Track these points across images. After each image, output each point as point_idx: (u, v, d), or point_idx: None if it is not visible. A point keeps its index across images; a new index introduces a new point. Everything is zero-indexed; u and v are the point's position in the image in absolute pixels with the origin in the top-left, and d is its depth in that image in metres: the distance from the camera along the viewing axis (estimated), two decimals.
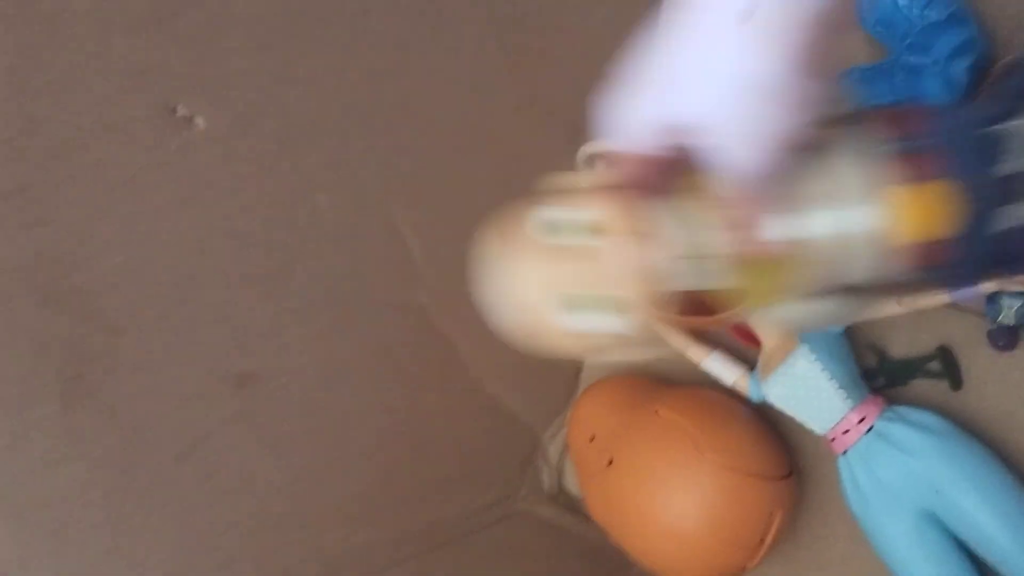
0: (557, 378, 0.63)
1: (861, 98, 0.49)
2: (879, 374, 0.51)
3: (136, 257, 0.40)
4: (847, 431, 0.48)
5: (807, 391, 0.49)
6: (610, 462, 0.53)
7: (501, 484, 0.62)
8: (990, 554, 0.44)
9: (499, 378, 0.59)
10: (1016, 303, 0.45)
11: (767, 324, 0.51)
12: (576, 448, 0.58)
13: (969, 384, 0.48)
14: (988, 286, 0.44)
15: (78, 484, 0.40)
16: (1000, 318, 0.45)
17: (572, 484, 0.65)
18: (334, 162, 0.46)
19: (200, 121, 0.40)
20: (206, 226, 0.42)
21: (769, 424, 0.54)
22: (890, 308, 0.47)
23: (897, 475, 0.46)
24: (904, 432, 0.46)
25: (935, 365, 0.49)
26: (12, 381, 0.37)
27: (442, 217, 0.52)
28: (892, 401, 0.49)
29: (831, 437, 0.49)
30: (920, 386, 0.50)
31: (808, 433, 0.55)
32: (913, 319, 0.50)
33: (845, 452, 0.48)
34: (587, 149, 0.54)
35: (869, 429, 0.47)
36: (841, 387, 0.48)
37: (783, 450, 0.53)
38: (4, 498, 0.38)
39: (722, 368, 0.54)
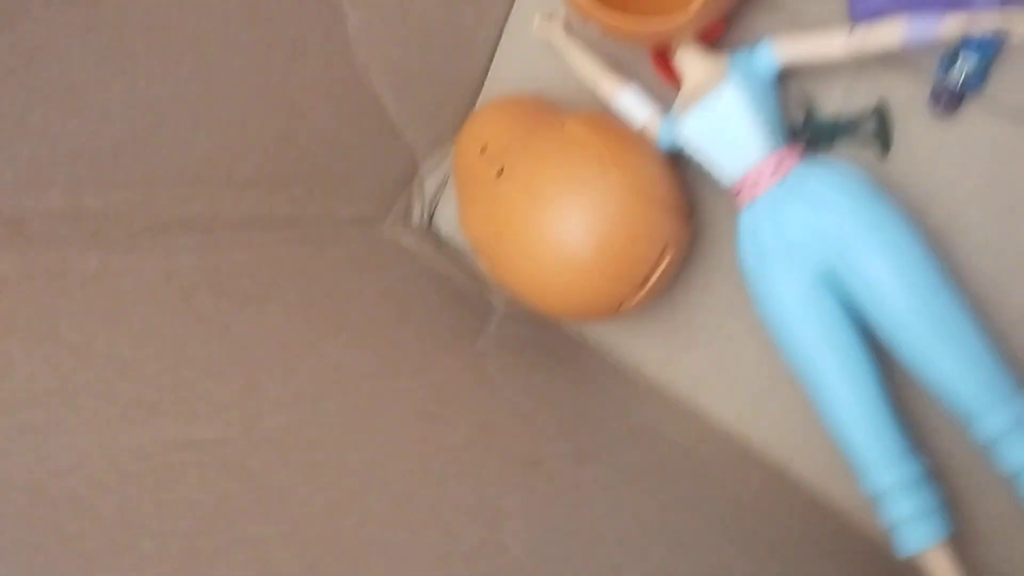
0: (450, 100, 0.57)
1: None
2: (804, 131, 0.47)
3: None
4: (758, 181, 0.44)
5: (725, 129, 0.44)
6: (501, 172, 0.47)
7: (368, 201, 0.56)
8: (884, 322, 0.41)
9: (388, 77, 0.52)
10: (970, 63, 0.41)
11: (695, 57, 0.46)
12: (463, 162, 0.52)
13: (897, 153, 0.45)
14: (950, 26, 0.40)
15: None
16: (948, 75, 0.42)
17: (445, 224, 0.60)
18: None
19: None
20: None
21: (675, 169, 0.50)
22: (838, 42, 0.43)
23: (803, 229, 0.42)
24: (819, 185, 0.43)
25: (865, 129, 0.45)
26: None
27: None
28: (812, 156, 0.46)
29: (738, 188, 0.45)
30: (845, 151, 0.47)
31: (706, 196, 0.51)
32: (852, 73, 0.46)
33: (751, 204, 0.45)
34: None
35: (783, 181, 0.44)
36: (762, 130, 0.44)
37: (686, 194, 0.49)
38: None
39: (636, 104, 0.49)
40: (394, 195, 0.58)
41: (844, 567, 0.45)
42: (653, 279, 0.46)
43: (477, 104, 0.58)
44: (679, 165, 0.50)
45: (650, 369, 0.54)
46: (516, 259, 0.46)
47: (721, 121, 0.44)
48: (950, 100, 0.42)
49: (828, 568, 0.44)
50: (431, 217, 0.60)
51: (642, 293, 0.46)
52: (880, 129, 0.45)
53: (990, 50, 0.42)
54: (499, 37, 0.56)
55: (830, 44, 0.43)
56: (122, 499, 0.30)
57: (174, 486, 0.31)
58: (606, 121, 0.48)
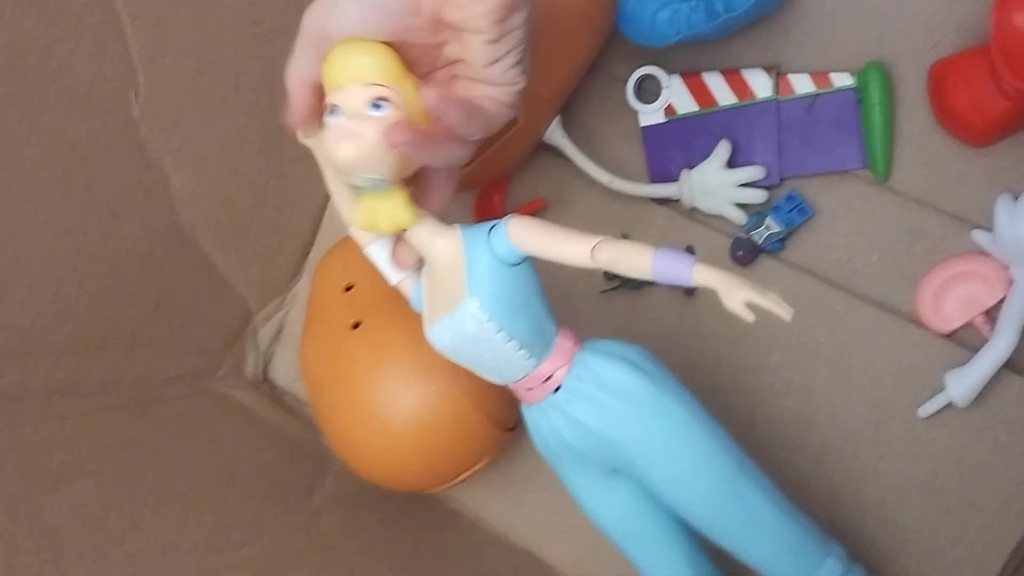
0: (283, 249, 0.57)
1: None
2: (616, 275, 0.49)
3: None
4: (531, 388, 0.38)
5: (480, 351, 0.37)
6: (357, 325, 0.46)
7: (198, 357, 0.54)
8: (683, 515, 0.39)
9: (216, 234, 0.51)
10: (776, 228, 0.45)
11: (428, 230, 0.35)
12: (323, 292, 0.49)
13: (702, 295, 0.48)
14: (700, 276, 0.32)
15: None
16: (752, 233, 0.45)
17: (280, 374, 0.59)
18: None
19: None
20: None
21: None
22: (581, 250, 0.34)
23: (584, 439, 0.38)
24: (593, 396, 0.37)
25: None
26: None
27: (168, 33, 0.44)
28: (590, 331, 0.40)
29: (515, 391, 0.39)
30: (656, 292, 0.49)
31: None
32: (666, 219, 0.48)
33: (531, 407, 0.39)
34: None
35: (557, 389, 0.38)
36: (522, 347, 0.36)
37: (515, 404, 0.44)
38: None
39: (385, 264, 0.39)
40: (226, 348, 0.56)
41: None
42: (462, 476, 0.47)
43: (311, 254, 0.58)
44: None
45: (491, 515, 0.54)
46: (344, 415, 0.46)
47: (473, 343, 0.36)
48: (747, 255, 0.46)
49: None
50: (266, 367, 0.59)
51: (448, 486, 0.48)
52: None
53: (796, 221, 0.45)
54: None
55: (574, 250, 0.34)
56: None
57: None
58: None
